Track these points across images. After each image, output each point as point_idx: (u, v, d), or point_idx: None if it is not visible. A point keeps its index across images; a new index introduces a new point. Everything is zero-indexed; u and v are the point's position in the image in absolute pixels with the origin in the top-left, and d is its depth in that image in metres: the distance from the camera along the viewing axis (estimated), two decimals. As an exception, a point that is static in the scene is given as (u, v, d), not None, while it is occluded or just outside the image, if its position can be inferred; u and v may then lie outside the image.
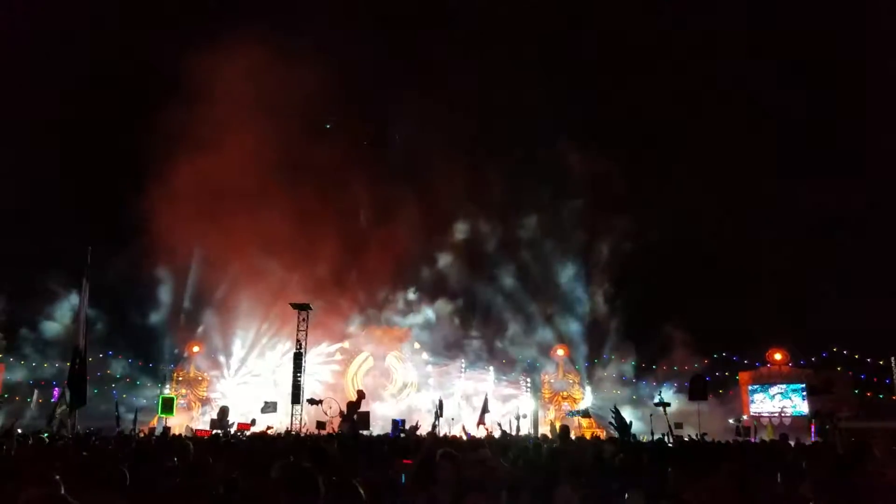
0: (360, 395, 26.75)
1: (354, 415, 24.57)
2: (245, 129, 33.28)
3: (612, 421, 11.54)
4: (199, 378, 34.71)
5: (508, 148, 36.68)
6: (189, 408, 33.97)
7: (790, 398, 33.34)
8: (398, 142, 38.61)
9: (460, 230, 37.23)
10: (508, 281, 36.38)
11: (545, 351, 36.11)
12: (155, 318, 34.53)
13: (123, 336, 33.85)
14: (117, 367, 34.29)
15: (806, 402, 32.71)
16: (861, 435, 19.60)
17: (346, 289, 35.50)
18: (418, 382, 35.36)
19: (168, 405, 27.31)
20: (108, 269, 32.86)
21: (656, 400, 17.64)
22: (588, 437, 21.75)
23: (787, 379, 33.69)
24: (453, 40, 36.51)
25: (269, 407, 27.83)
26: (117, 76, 34.88)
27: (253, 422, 25.59)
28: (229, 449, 10.45)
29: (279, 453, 8.90)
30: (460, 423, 29.61)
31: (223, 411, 26.59)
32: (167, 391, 34.36)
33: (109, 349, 33.78)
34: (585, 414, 32.17)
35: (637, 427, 19.64)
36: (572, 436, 24.41)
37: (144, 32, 34.93)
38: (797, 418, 31.60)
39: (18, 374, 33.19)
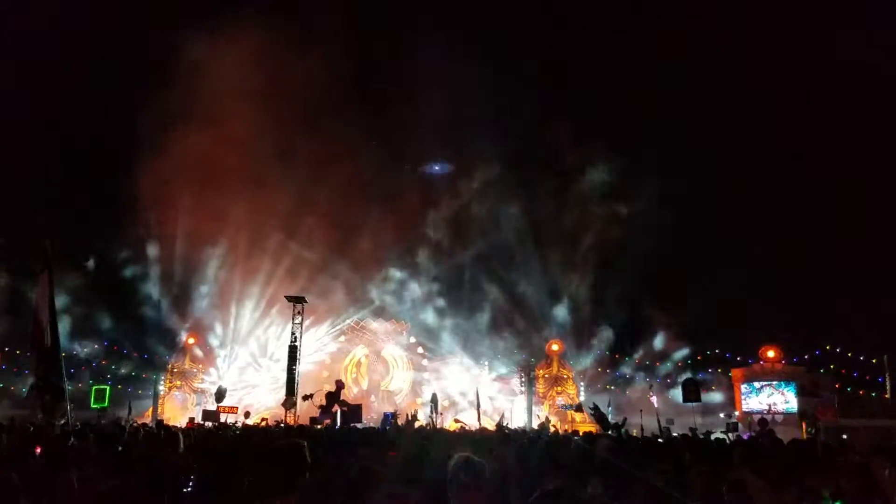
0: (339, 384, 26.40)
1: (336, 406, 24.15)
2: (240, 115, 33.10)
3: (593, 413, 11.82)
4: (195, 370, 34.81)
5: (498, 131, 36.18)
6: (185, 399, 34.14)
7: (782, 393, 33.41)
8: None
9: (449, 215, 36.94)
10: (505, 275, 36.34)
11: (540, 346, 36.24)
12: (150, 309, 34.58)
13: (118, 328, 33.88)
14: (114, 359, 34.32)
15: (797, 399, 32.85)
16: (845, 432, 20.31)
17: (341, 280, 35.38)
18: (414, 377, 35.49)
19: (101, 395, 23.90)
20: (104, 258, 33.08)
21: (651, 395, 18.14)
22: (582, 431, 21.96)
23: (780, 376, 33.79)
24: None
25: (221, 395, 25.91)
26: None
27: (247, 414, 25.53)
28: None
29: None
30: (455, 416, 29.81)
31: (220, 395, 25.40)
32: (162, 383, 34.44)
33: (104, 340, 33.81)
34: (578, 408, 32.28)
35: (631, 423, 19.84)
36: (566, 430, 24.54)
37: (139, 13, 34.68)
38: (788, 415, 31.76)
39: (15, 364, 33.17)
